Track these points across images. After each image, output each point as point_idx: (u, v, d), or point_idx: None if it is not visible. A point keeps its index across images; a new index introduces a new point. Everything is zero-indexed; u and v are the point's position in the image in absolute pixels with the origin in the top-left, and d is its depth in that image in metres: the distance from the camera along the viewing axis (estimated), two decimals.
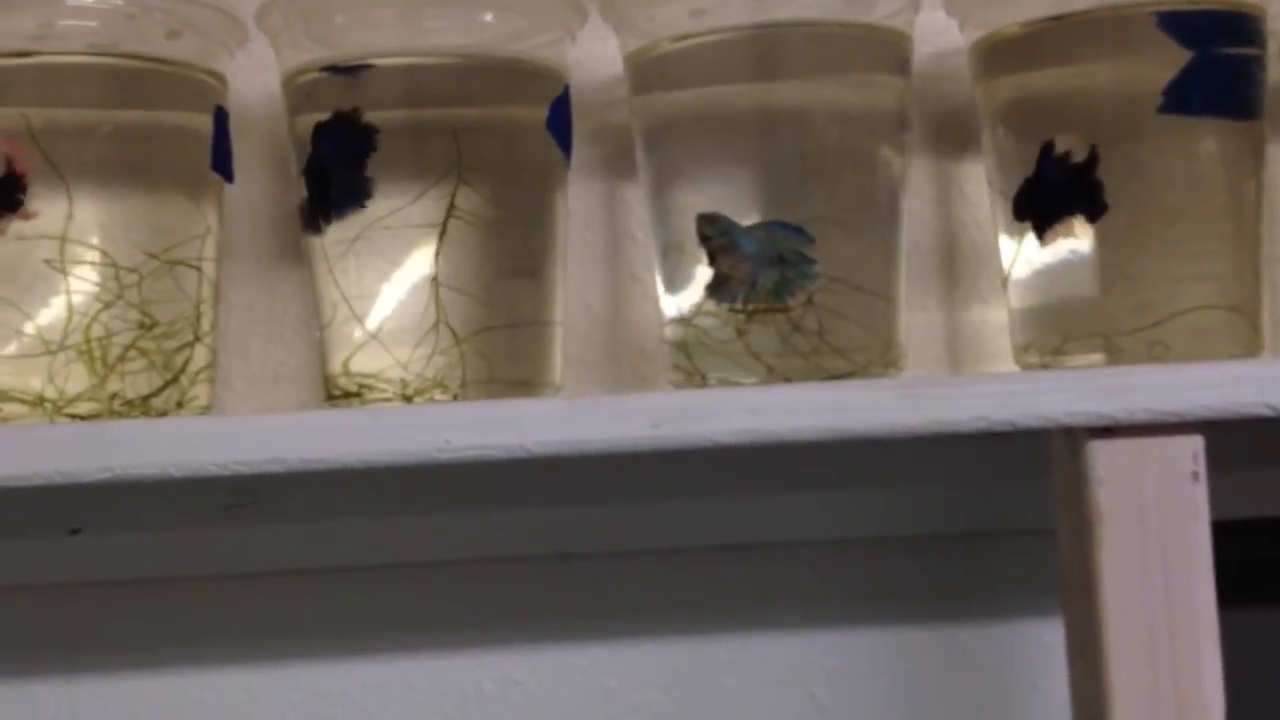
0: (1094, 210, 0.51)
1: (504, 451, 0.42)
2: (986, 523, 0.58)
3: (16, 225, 0.48)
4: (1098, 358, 0.51)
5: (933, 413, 0.43)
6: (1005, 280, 0.54)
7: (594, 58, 0.58)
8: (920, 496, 0.59)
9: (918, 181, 0.60)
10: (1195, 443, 0.44)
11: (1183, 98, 0.51)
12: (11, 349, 0.47)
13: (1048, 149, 0.51)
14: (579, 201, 0.58)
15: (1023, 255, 0.53)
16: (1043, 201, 0.52)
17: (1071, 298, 0.52)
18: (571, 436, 0.42)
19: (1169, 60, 0.51)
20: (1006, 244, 0.54)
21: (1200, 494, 0.43)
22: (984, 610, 0.59)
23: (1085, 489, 0.43)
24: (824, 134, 0.50)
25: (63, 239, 0.48)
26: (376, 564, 0.58)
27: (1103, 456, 0.43)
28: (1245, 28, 0.52)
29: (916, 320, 0.59)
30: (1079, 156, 0.51)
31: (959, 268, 0.60)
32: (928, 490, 0.59)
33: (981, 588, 0.59)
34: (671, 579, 0.59)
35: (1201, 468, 0.43)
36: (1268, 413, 0.43)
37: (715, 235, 0.49)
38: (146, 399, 0.49)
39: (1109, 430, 0.43)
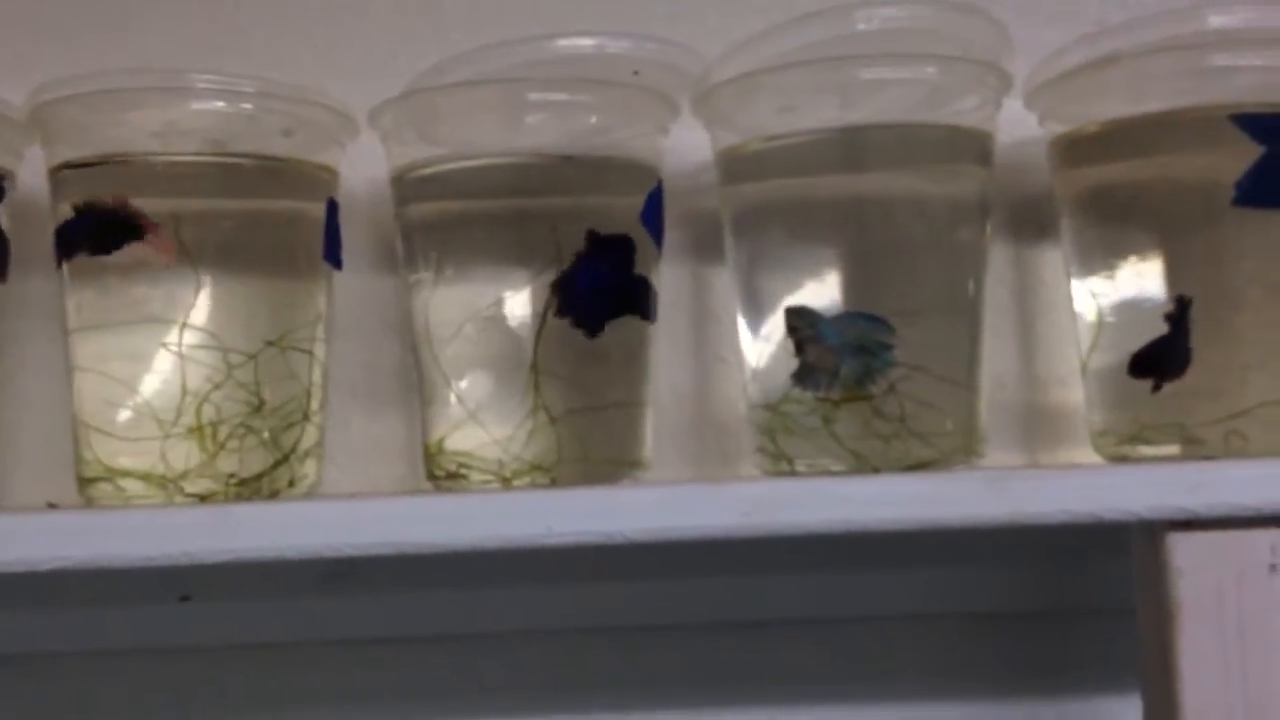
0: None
1: (603, 538, 0.44)
2: (1066, 600, 0.60)
3: (148, 308, 0.51)
4: (1175, 448, 0.52)
5: (1017, 505, 0.44)
6: (1084, 367, 0.55)
7: (684, 144, 0.60)
8: (1001, 573, 0.60)
9: (997, 265, 0.62)
10: (1273, 536, 0.45)
11: (1255, 191, 0.52)
12: (132, 429, 0.50)
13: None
14: (666, 283, 0.61)
15: (1101, 340, 0.55)
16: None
17: (1148, 387, 0.53)
18: (667, 524, 0.44)
19: (1242, 154, 0.53)
20: (1085, 327, 0.55)
21: (1278, 585, 0.44)
22: (1062, 688, 0.60)
23: (1165, 579, 0.45)
24: (906, 225, 0.52)
25: (183, 325, 0.51)
26: (469, 633, 0.60)
27: (1181, 549, 0.44)
28: None
29: (995, 401, 0.61)
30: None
31: (1036, 350, 0.61)
32: (1009, 567, 0.60)
33: (1060, 666, 0.60)
34: (754, 652, 0.60)
35: None
36: None
37: (803, 327, 0.51)
38: (259, 476, 0.51)
39: (1188, 524, 0.45)
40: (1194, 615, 0.44)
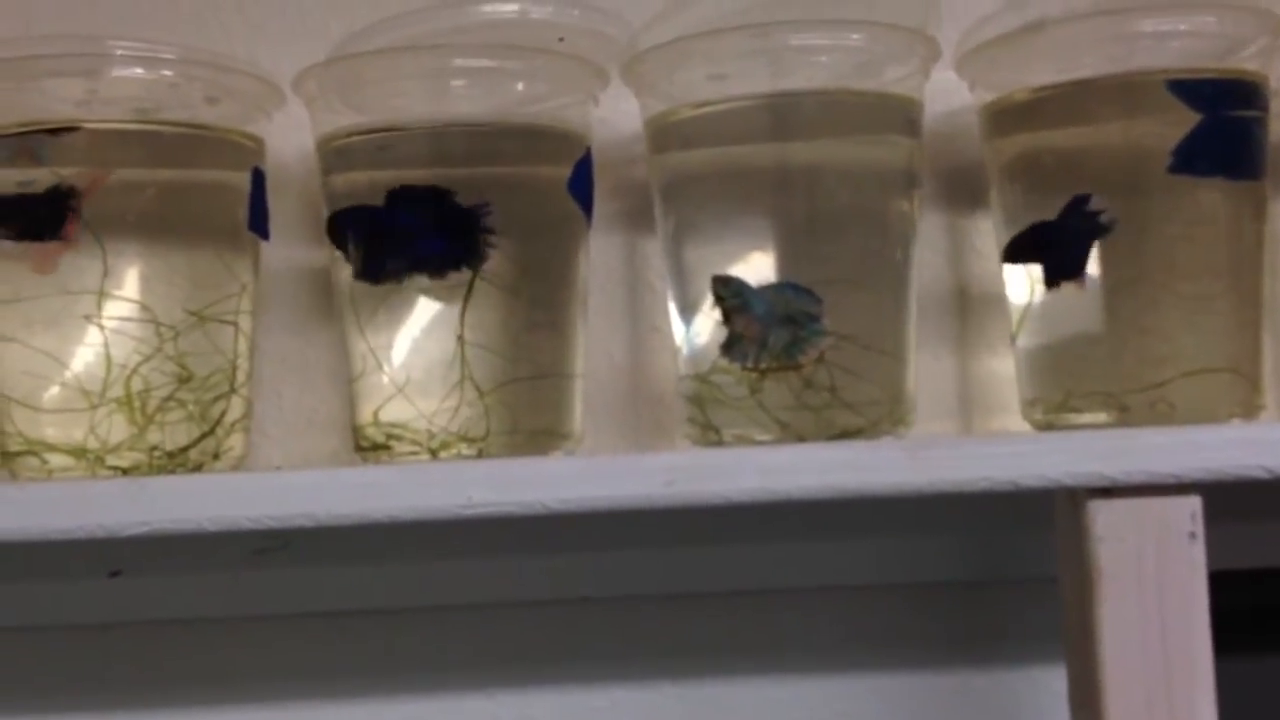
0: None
1: (523, 509, 0.44)
2: (999, 570, 0.60)
3: (63, 279, 0.50)
4: (1103, 416, 0.52)
5: (938, 473, 0.44)
6: (1013, 336, 0.56)
7: (617, 115, 0.59)
8: (933, 544, 0.60)
9: (931, 235, 0.62)
10: (1193, 503, 0.45)
11: (1191, 158, 0.52)
12: (54, 401, 0.50)
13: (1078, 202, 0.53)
14: (601, 254, 0.60)
15: (1030, 310, 0.55)
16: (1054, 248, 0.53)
17: (1077, 355, 0.53)
18: (587, 494, 0.44)
19: (1176, 122, 0.53)
20: (1015, 299, 0.55)
21: (1198, 553, 0.45)
22: (995, 657, 0.61)
23: (1085, 547, 0.45)
24: (835, 194, 0.52)
25: (100, 294, 0.50)
26: (399, 607, 0.60)
27: (1101, 516, 0.45)
28: (1249, 92, 0.53)
29: (929, 370, 0.61)
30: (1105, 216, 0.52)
31: (971, 320, 0.61)
32: (941, 538, 0.60)
33: (993, 635, 0.61)
34: (687, 624, 0.60)
35: (1199, 527, 0.45)
36: (1264, 475, 0.44)
37: (729, 296, 0.51)
38: (185, 450, 0.51)
39: (1108, 490, 0.45)
40: (1114, 582, 0.44)
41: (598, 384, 0.60)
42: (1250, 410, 0.52)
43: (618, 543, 0.60)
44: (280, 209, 0.57)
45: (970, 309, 0.61)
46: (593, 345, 0.60)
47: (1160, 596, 0.44)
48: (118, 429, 0.50)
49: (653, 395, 0.61)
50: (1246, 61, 0.54)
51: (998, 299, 0.61)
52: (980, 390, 0.61)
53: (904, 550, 0.60)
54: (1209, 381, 0.52)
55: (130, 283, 0.51)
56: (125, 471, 0.49)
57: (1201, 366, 0.52)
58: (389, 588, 0.60)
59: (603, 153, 0.59)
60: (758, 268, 0.51)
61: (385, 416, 0.51)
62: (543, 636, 0.61)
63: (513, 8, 0.51)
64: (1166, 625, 0.44)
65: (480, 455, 0.50)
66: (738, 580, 0.60)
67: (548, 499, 0.44)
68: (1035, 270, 0.54)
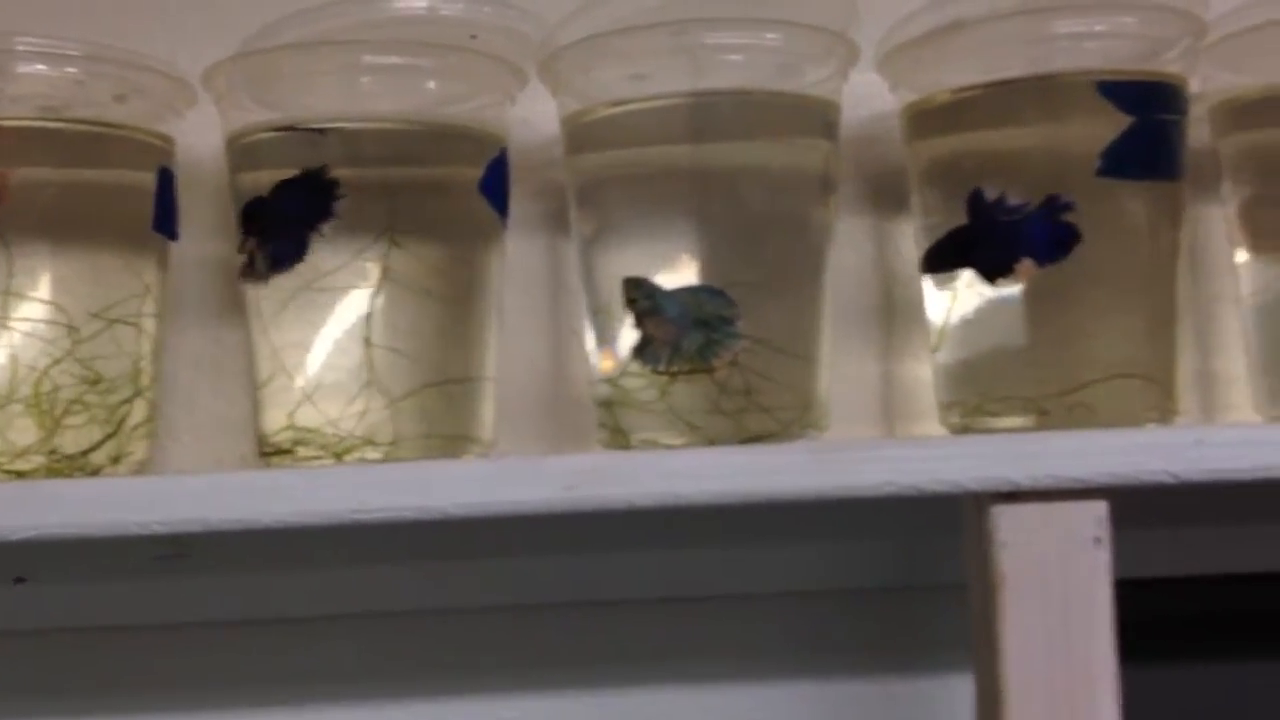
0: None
1: (419, 513, 0.44)
2: (921, 575, 0.59)
3: None
4: (1020, 420, 0.52)
5: (841, 477, 0.44)
6: (931, 340, 0.55)
7: (541, 116, 0.59)
8: (856, 549, 0.60)
9: (856, 238, 0.61)
10: (1099, 508, 0.44)
11: (1121, 161, 0.52)
12: None
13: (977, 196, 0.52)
14: (522, 257, 0.60)
15: (948, 314, 0.54)
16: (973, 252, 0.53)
17: (996, 359, 0.53)
18: (486, 499, 0.44)
19: (1099, 125, 0.52)
20: (933, 303, 0.55)
21: (1102, 558, 0.44)
22: (915, 663, 0.60)
23: (989, 552, 0.44)
24: (751, 197, 0.51)
25: (5, 294, 0.49)
26: (307, 615, 0.59)
27: (1006, 521, 0.44)
28: (1174, 95, 0.53)
29: (852, 375, 0.61)
30: (1013, 200, 0.51)
31: (895, 324, 0.61)
32: (863, 543, 0.60)
33: (914, 641, 0.60)
34: (603, 630, 0.60)
35: (1105, 532, 0.44)
36: (1169, 480, 0.44)
37: (640, 298, 0.50)
38: (85, 454, 0.50)
39: (1014, 495, 0.44)
40: (1017, 588, 0.44)
41: (517, 388, 0.59)
42: (1166, 415, 0.52)
43: (526, 549, 0.59)
44: (196, 208, 0.56)
45: (895, 313, 0.61)
46: (513, 348, 0.59)
47: (1064, 602, 0.44)
48: (25, 432, 0.49)
49: (573, 399, 0.60)
50: (1169, 64, 0.53)
51: (922, 304, 0.61)
52: (904, 394, 0.60)
53: (826, 555, 0.60)
54: (1125, 387, 0.51)
55: (38, 283, 0.50)
56: (22, 475, 0.48)
57: (1117, 372, 0.51)
58: (296, 595, 0.59)
59: (525, 154, 0.58)
60: (672, 270, 0.51)
61: (289, 420, 0.50)
62: (453, 644, 0.60)
63: (422, 4, 0.51)
64: (1070, 631, 0.44)
65: (386, 460, 0.49)
66: (654, 588, 0.60)
67: (446, 504, 0.43)
68: (954, 275, 0.53)
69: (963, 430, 0.53)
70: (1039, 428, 0.51)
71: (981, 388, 0.53)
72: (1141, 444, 0.44)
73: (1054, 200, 0.51)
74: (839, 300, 0.60)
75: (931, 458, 0.44)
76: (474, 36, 0.51)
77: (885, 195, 0.61)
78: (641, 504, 0.43)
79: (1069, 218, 0.51)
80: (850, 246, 0.61)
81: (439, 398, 0.51)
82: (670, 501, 0.44)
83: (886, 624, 0.60)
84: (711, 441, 0.49)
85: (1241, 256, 0.56)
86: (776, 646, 0.60)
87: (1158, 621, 0.58)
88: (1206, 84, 0.57)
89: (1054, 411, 0.51)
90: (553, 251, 0.60)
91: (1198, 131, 0.56)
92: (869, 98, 0.57)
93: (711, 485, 0.44)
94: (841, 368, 0.60)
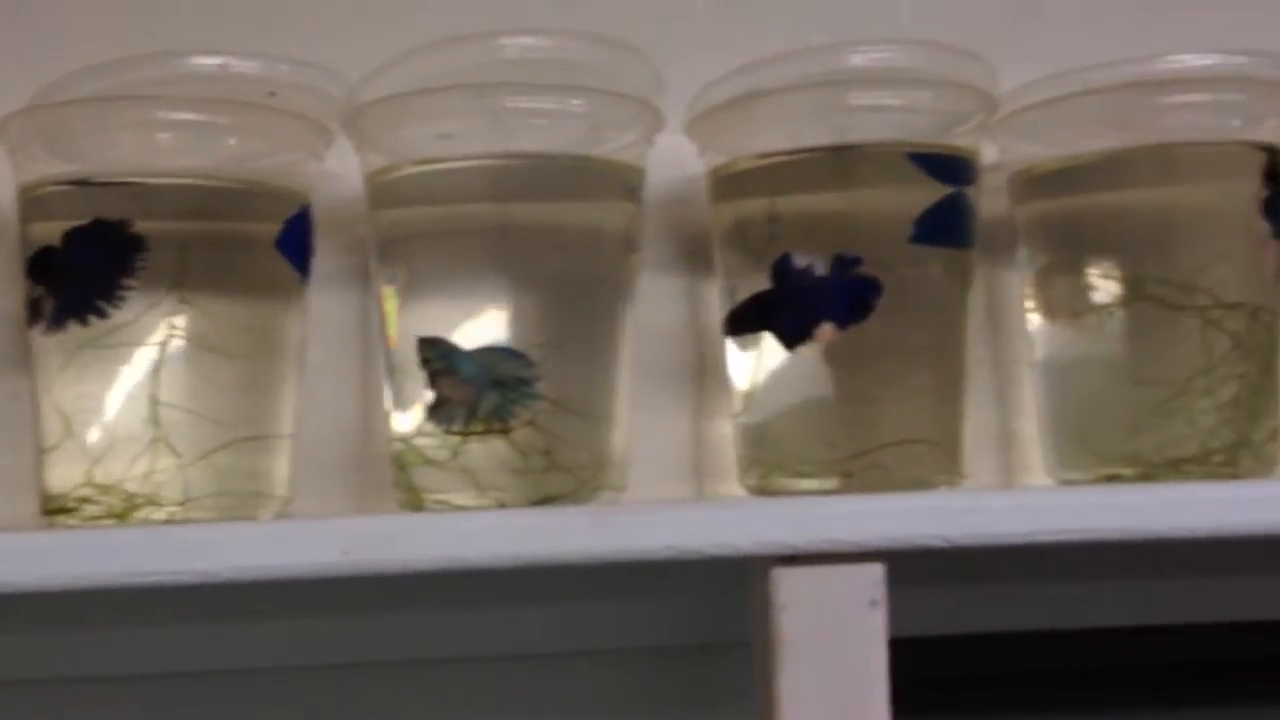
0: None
1: (196, 577, 0.43)
2: (715, 635, 0.60)
3: None
4: (814, 482, 0.53)
5: (622, 540, 0.44)
6: (735, 400, 0.56)
7: (353, 171, 0.58)
8: (650, 609, 0.60)
9: (670, 299, 0.62)
10: (875, 570, 0.45)
11: (934, 229, 0.54)
12: None
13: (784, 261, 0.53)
14: (333, 311, 0.59)
15: (749, 376, 0.55)
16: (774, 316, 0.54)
17: (792, 421, 0.54)
18: (264, 563, 0.43)
19: (896, 194, 0.54)
20: (735, 364, 0.56)
21: (879, 620, 0.45)
22: None
23: (769, 614, 0.45)
24: (551, 258, 0.52)
25: None
26: (86, 676, 0.57)
27: (785, 583, 0.45)
28: (972, 166, 0.55)
29: (663, 433, 0.61)
30: (819, 270, 0.52)
31: (706, 382, 0.61)
32: (657, 603, 0.60)
33: (706, 700, 0.60)
34: (386, 690, 0.59)
35: (881, 595, 0.45)
36: (941, 544, 0.45)
37: (435, 359, 0.50)
38: None
39: (794, 559, 0.45)
40: (795, 651, 0.45)
41: (324, 443, 0.59)
42: (953, 479, 0.53)
43: (295, 613, 0.58)
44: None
45: (707, 372, 0.61)
46: (320, 404, 0.59)
47: (840, 664, 0.45)
48: None
49: (380, 456, 0.59)
50: (962, 138, 0.55)
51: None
52: (714, 453, 0.61)
53: (624, 614, 0.60)
54: (913, 451, 0.53)
55: None
56: None
57: (906, 436, 0.53)
58: (78, 654, 0.57)
59: (336, 208, 0.58)
60: (471, 329, 0.51)
61: (74, 479, 0.49)
62: (250, 704, 0.59)
63: (215, 60, 0.50)
64: (845, 692, 0.45)
65: (170, 520, 0.48)
66: (445, 647, 0.59)
67: (220, 568, 0.43)
68: (756, 337, 0.54)
69: (760, 491, 0.54)
70: (836, 490, 0.52)
71: (779, 449, 0.54)
72: (915, 509, 0.45)
73: (843, 259, 0.52)
74: (651, 359, 0.61)
75: (713, 521, 0.45)
76: (273, 94, 0.51)
77: (699, 256, 0.61)
78: (420, 567, 0.43)
79: (863, 271, 0.52)
80: (664, 305, 0.62)
81: (231, 456, 0.50)
82: (449, 565, 0.43)
83: (681, 683, 0.60)
84: (505, 503, 0.49)
85: (1034, 321, 0.58)
86: (570, 706, 0.60)
87: (934, 679, 0.59)
88: (1005, 154, 0.59)
89: (855, 473, 0.52)
90: (363, 306, 0.60)
91: (997, 200, 0.58)
92: (684, 159, 0.58)
93: (492, 548, 0.44)
94: (653, 427, 0.61)
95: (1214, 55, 0.53)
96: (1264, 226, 0.54)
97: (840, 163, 0.54)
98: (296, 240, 0.52)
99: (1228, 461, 0.53)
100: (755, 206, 0.55)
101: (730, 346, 0.56)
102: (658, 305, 0.62)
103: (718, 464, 0.60)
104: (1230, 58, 0.53)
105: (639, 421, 0.60)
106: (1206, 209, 0.55)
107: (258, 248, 0.51)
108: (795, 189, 0.54)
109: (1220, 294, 0.53)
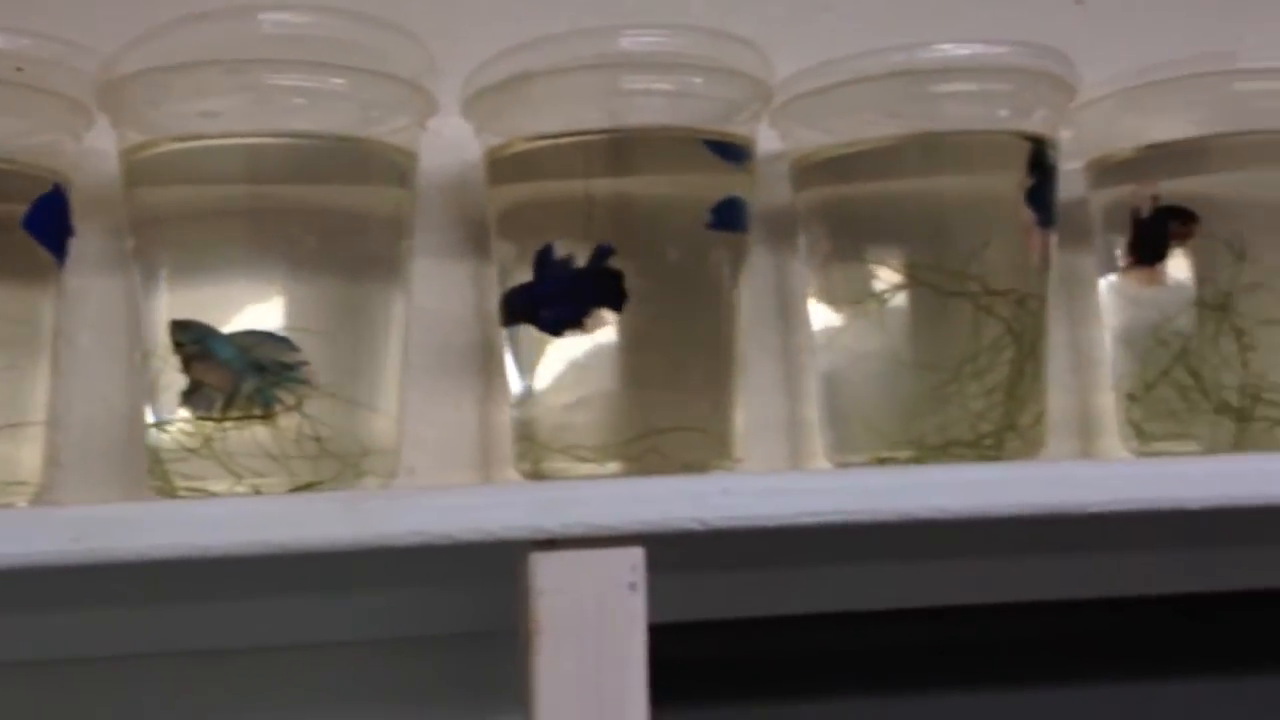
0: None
1: None
2: (485, 623, 0.59)
3: None
4: (590, 467, 0.52)
5: (369, 526, 0.43)
6: (509, 388, 0.55)
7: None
8: (421, 597, 0.59)
9: (456, 282, 0.61)
10: (634, 555, 0.45)
11: (730, 216, 0.54)
12: None
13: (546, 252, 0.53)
14: (100, 295, 0.57)
15: (523, 362, 0.54)
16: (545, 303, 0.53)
17: (566, 407, 0.53)
18: None
19: (678, 180, 0.54)
20: (509, 351, 0.55)
21: (637, 604, 0.45)
22: (475, 711, 0.60)
23: (527, 600, 0.44)
24: (312, 242, 0.50)
25: None
26: None
27: (543, 568, 0.44)
28: (751, 152, 0.55)
29: (450, 420, 0.60)
30: (580, 261, 0.52)
31: (494, 368, 0.61)
32: (426, 591, 0.59)
33: (475, 688, 0.60)
34: (154, 681, 0.58)
35: (640, 578, 0.45)
36: (698, 527, 0.45)
37: (188, 343, 0.48)
38: None
39: (552, 543, 0.44)
40: (553, 636, 0.44)
41: (92, 430, 0.57)
42: (726, 465, 0.53)
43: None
44: None
45: (494, 358, 0.61)
46: (90, 390, 0.57)
47: (598, 648, 0.44)
48: None
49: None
50: (742, 125, 0.55)
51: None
52: (501, 440, 0.60)
53: (394, 603, 0.59)
54: (686, 438, 0.52)
55: None
56: None
57: (678, 424, 0.52)
58: None
59: (104, 188, 0.56)
60: (234, 314, 0.49)
61: None
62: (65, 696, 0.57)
63: None
64: (603, 677, 0.44)
65: None
66: (215, 638, 0.58)
67: None
68: (525, 326, 0.54)
69: (533, 476, 0.54)
70: (626, 474, 0.52)
71: (548, 435, 0.53)
72: (672, 492, 0.45)
73: (601, 249, 0.51)
74: (437, 345, 0.60)
75: (466, 507, 0.44)
76: (20, 69, 0.49)
77: (486, 241, 0.61)
78: (155, 556, 0.42)
79: (615, 263, 0.51)
80: (449, 291, 0.61)
81: None
82: (188, 553, 0.42)
83: (459, 671, 0.59)
84: (263, 490, 0.48)
85: (813, 307, 0.58)
86: (341, 696, 0.59)
87: (694, 664, 0.59)
88: (786, 141, 0.59)
89: (634, 458, 0.52)
90: (130, 290, 0.58)
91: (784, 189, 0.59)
92: (470, 142, 0.57)
93: (234, 536, 0.42)
94: (438, 413, 0.60)
95: (976, 45, 0.53)
96: (1030, 215, 0.55)
97: (615, 147, 0.53)
98: (46, 221, 0.50)
99: (995, 444, 0.54)
100: (522, 191, 0.54)
101: (504, 334, 0.55)
102: (444, 291, 0.61)
103: (505, 450, 0.60)
104: (992, 47, 0.54)
105: (425, 409, 0.59)
106: (976, 197, 0.56)
107: (5, 229, 0.49)
108: (560, 173, 0.54)
109: (990, 281, 0.54)
